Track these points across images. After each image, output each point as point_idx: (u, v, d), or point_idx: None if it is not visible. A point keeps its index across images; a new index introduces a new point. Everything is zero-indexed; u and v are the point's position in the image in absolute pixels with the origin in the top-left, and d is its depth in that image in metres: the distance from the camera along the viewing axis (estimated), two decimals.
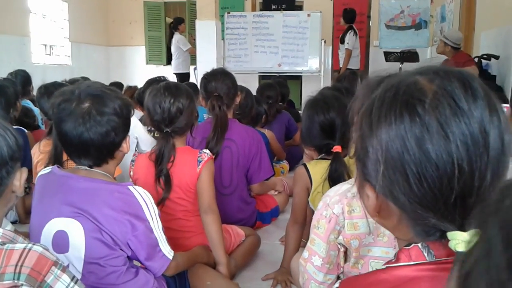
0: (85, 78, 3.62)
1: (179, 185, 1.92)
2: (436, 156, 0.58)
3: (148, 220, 1.35)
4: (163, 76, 4.15)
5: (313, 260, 1.36)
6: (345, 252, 1.39)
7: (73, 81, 3.22)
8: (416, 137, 0.59)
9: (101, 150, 1.35)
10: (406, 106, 0.60)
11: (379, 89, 0.66)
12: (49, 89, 2.29)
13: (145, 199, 1.36)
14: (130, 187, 1.36)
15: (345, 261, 1.40)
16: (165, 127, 1.89)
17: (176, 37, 7.48)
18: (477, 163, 0.58)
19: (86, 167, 1.37)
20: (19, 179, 1.06)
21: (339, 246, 1.35)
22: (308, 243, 1.38)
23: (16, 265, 0.94)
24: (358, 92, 0.74)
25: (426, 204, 0.60)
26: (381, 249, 1.32)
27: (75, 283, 1.04)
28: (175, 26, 7.55)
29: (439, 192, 0.59)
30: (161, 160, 1.88)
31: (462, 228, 0.55)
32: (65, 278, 1.02)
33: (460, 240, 0.54)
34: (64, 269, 1.02)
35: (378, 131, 0.62)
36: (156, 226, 1.38)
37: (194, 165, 1.91)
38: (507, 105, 2.17)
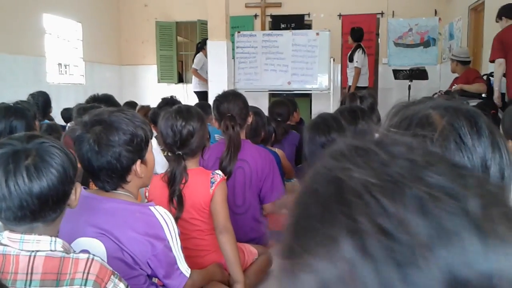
0: (106, 96, 3.68)
1: (192, 206, 1.98)
2: None
3: (167, 239, 1.41)
4: (174, 96, 4.26)
5: None
6: None
7: (103, 98, 3.28)
8: None
9: (110, 175, 1.40)
10: (416, 137, 0.67)
11: (396, 118, 0.73)
12: (87, 110, 2.36)
13: (165, 218, 1.42)
14: (151, 208, 1.42)
15: None
16: (177, 149, 1.96)
17: (198, 56, 7.60)
18: None
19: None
20: (74, 193, 1.16)
21: None
22: None
23: (84, 272, 1.06)
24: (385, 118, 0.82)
25: None
26: None
27: None
28: (201, 46, 7.63)
29: None
30: (173, 181, 1.95)
31: None
32: (122, 286, 1.13)
33: None
34: (120, 278, 1.14)
35: None
36: (175, 245, 1.44)
37: (207, 186, 1.98)
38: None
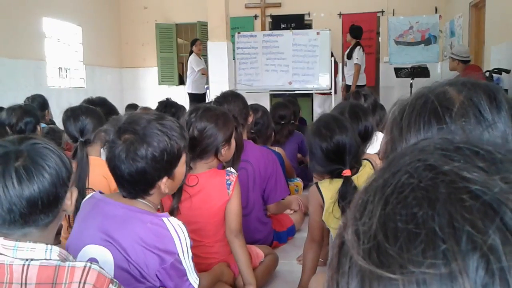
0: (101, 98, 3.63)
1: (208, 210, 1.91)
2: None
3: (178, 253, 1.33)
4: (170, 98, 4.22)
5: None
6: None
7: (97, 102, 3.24)
8: None
9: (133, 185, 1.35)
10: (434, 114, 0.64)
11: (411, 97, 0.70)
12: (75, 112, 2.30)
13: (177, 231, 1.33)
14: (164, 219, 1.34)
15: None
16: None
17: (190, 57, 7.67)
18: None
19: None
20: (70, 198, 1.11)
21: None
22: None
23: (80, 282, 1.01)
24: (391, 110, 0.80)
25: None
26: None
27: None
28: (191, 46, 7.76)
29: None
30: None
31: None
32: None
33: None
34: (120, 286, 1.09)
35: (407, 136, 0.66)
36: (186, 258, 1.36)
37: (223, 189, 1.90)
38: None
